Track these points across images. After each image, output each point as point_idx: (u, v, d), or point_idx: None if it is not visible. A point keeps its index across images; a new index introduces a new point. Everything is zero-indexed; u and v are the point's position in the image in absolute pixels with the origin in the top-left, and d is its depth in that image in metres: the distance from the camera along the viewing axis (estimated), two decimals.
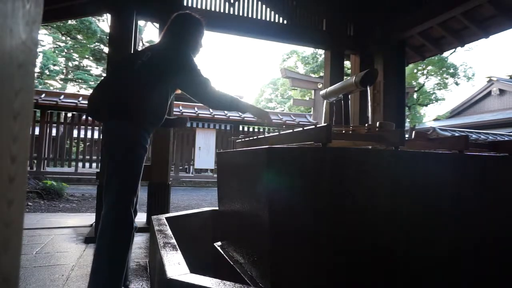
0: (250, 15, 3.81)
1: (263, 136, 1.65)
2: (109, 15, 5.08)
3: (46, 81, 16.85)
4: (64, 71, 18.36)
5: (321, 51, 14.70)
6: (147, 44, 16.43)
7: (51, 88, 16.52)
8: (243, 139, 1.91)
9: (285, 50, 36.58)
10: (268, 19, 3.89)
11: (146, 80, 1.58)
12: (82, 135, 8.73)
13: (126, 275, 1.66)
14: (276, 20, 3.93)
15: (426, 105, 18.41)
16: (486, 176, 1.30)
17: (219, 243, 1.85)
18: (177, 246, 1.41)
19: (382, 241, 1.16)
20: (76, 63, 18.29)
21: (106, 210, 1.52)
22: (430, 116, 21.39)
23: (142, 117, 1.58)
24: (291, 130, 1.39)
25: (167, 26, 1.80)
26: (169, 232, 1.68)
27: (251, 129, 9.94)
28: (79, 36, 14.42)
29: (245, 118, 9.71)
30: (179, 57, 1.63)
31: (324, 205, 1.12)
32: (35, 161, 7.88)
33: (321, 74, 15.13)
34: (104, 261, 1.48)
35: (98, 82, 1.71)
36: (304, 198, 1.13)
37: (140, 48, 1.75)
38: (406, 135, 1.53)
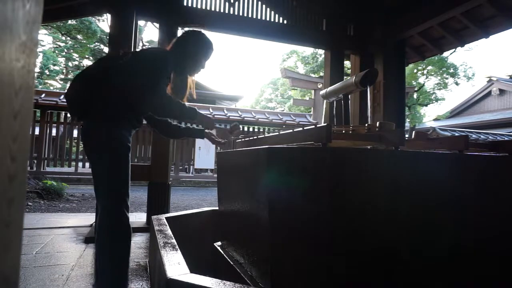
0: (250, 15, 3.81)
1: (263, 136, 1.65)
2: (109, 15, 5.08)
3: (46, 81, 16.84)
4: (64, 71, 18.35)
5: (321, 51, 14.70)
6: (147, 44, 16.45)
7: (51, 88, 16.52)
8: (243, 139, 1.92)
9: (285, 50, 36.60)
10: (268, 19, 3.89)
11: (118, 78, 1.51)
12: None
13: None
14: (276, 20, 3.93)
15: (426, 105, 18.41)
16: (486, 176, 1.30)
17: (219, 243, 1.85)
18: (177, 246, 1.41)
19: (382, 241, 1.16)
20: (76, 63, 18.28)
21: (99, 214, 1.50)
22: (430, 116, 21.39)
23: (111, 113, 1.50)
24: (291, 130, 1.39)
25: (176, 38, 1.77)
26: (169, 232, 1.68)
27: (251, 129, 9.94)
28: (79, 36, 14.41)
29: (245, 118, 9.71)
30: (154, 59, 1.57)
31: (324, 205, 1.12)
32: (35, 161, 7.87)
33: (321, 74, 15.13)
34: (105, 265, 1.47)
35: (73, 77, 1.61)
36: (304, 198, 1.13)
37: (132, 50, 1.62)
38: (406, 135, 1.53)
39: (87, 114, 1.51)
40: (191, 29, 1.79)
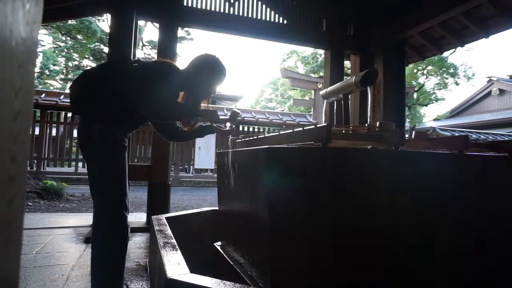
0: (250, 15, 3.81)
1: (263, 136, 1.65)
2: (109, 15, 5.08)
3: (46, 81, 16.84)
4: (64, 71, 18.35)
5: (321, 51, 14.69)
6: (147, 44, 16.45)
7: (51, 88, 16.51)
8: (243, 139, 1.92)
9: (285, 50, 36.59)
10: (268, 19, 3.89)
11: (119, 80, 1.52)
12: None
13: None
14: (276, 20, 3.93)
15: (426, 105, 18.41)
16: (486, 176, 1.30)
17: (219, 243, 1.85)
18: (177, 246, 1.41)
19: (382, 241, 1.16)
20: (76, 63, 18.28)
21: (95, 213, 1.49)
22: (430, 116, 21.38)
23: (110, 113, 1.50)
24: (291, 130, 1.39)
25: (191, 60, 1.75)
26: (169, 232, 1.68)
27: (251, 129, 9.94)
28: (79, 36, 14.40)
29: (245, 118, 9.70)
30: (159, 68, 1.59)
31: (324, 205, 1.12)
32: (35, 161, 7.87)
33: (321, 74, 15.12)
34: (101, 265, 1.47)
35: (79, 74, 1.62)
36: (304, 198, 1.13)
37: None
38: (406, 135, 1.53)
39: (87, 113, 1.51)
40: (206, 53, 1.78)
